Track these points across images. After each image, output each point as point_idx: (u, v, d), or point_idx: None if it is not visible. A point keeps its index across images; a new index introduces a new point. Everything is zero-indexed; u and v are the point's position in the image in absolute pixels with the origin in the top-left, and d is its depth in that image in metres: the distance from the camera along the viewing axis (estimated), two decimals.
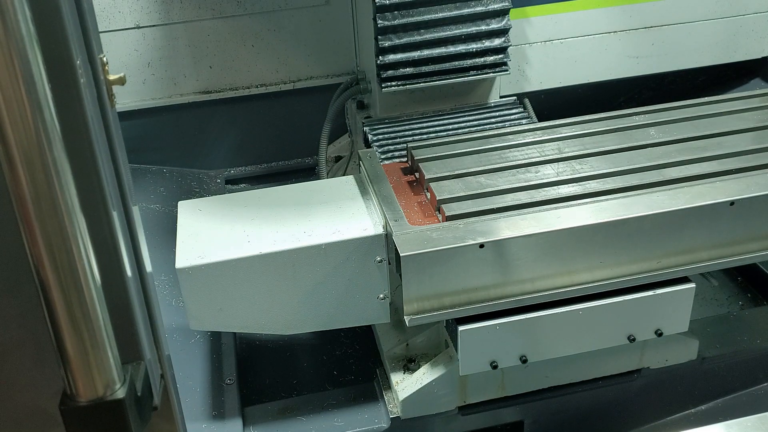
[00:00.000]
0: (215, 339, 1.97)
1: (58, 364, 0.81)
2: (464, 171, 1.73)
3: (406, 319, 1.55)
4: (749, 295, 2.23)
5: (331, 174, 2.42)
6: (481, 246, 1.51)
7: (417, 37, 2.02)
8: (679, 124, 1.89)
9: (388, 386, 1.81)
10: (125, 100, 2.49)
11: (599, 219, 1.55)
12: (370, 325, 1.98)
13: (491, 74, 2.12)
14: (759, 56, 2.56)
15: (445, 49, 2.05)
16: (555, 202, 1.63)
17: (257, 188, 1.90)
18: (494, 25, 2.05)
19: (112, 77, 0.83)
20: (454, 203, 1.63)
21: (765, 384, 1.98)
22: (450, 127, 2.09)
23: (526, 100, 2.25)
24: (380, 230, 1.60)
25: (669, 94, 2.54)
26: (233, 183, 2.68)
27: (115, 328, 0.83)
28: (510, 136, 1.88)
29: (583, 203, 1.61)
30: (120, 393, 0.83)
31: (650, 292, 1.64)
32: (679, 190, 1.62)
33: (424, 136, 2.04)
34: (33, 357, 0.90)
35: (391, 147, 2.00)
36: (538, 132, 1.89)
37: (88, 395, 0.81)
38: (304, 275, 1.59)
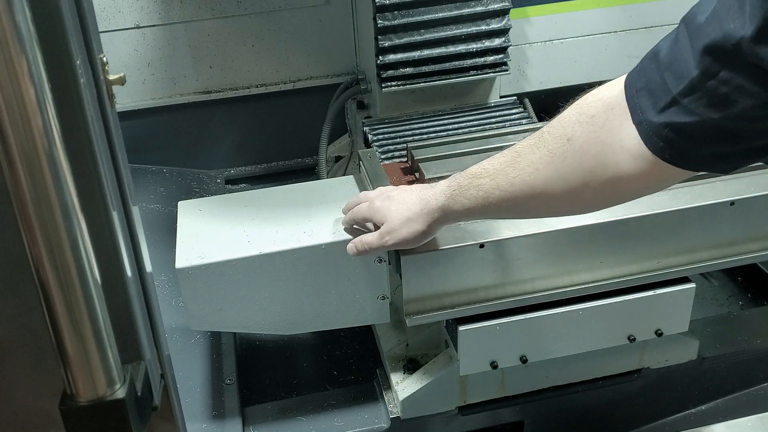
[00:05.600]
0: (215, 339, 1.97)
1: (58, 364, 0.81)
2: None
3: (406, 319, 1.55)
4: (749, 295, 2.23)
5: (331, 174, 2.42)
6: (481, 246, 1.51)
7: (417, 37, 2.02)
8: None
9: (388, 386, 1.81)
10: (125, 100, 2.49)
11: (599, 219, 1.55)
12: (370, 325, 1.98)
13: (491, 74, 2.12)
14: None
15: (445, 49, 2.05)
16: None
17: (257, 188, 1.90)
18: (494, 25, 2.05)
19: (112, 77, 0.83)
20: None
21: (765, 384, 1.98)
22: (450, 127, 2.09)
23: (526, 100, 2.25)
24: None
25: None
26: (233, 183, 2.68)
27: (115, 328, 0.82)
28: (510, 136, 1.88)
29: None
30: (120, 393, 0.83)
31: (650, 292, 1.64)
32: (679, 190, 1.62)
33: (424, 136, 2.04)
34: (33, 357, 0.90)
35: (391, 147, 2.00)
36: None
37: (88, 395, 0.81)
38: (304, 275, 1.59)
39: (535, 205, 1.16)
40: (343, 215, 1.58)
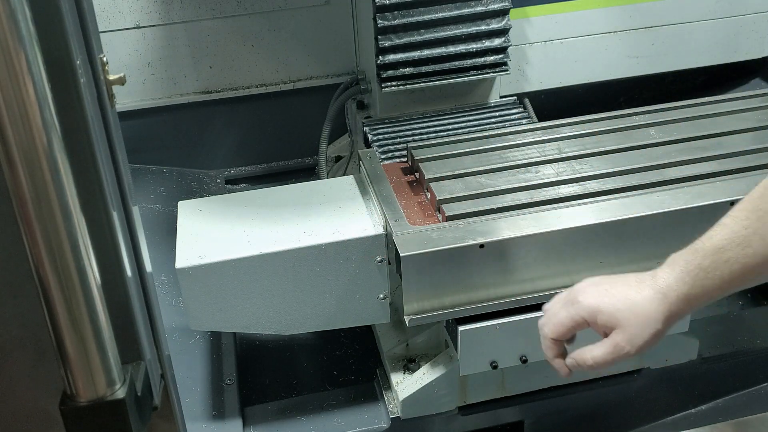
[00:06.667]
0: (215, 339, 1.97)
1: (58, 364, 0.81)
2: (464, 171, 1.73)
3: (406, 319, 1.55)
4: (749, 295, 2.23)
5: (331, 174, 2.42)
6: (481, 246, 1.51)
7: (417, 37, 2.02)
8: (679, 124, 1.89)
9: (388, 386, 1.81)
10: (125, 100, 2.49)
11: (599, 219, 1.55)
12: (370, 325, 1.98)
13: (491, 74, 2.12)
14: (759, 56, 2.56)
15: (445, 49, 2.05)
16: (555, 202, 1.63)
17: (257, 188, 1.90)
18: (494, 25, 2.05)
19: (112, 77, 0.83)
20: (454, 203, 1.63)
21: (765, 384, 1.97)
22: (450, 127, 2.09)
23: (526, 100, 2.25)
24: (380, 230, 1.60)
25: (669, 94, 2.54)
26: (233, 183, 2.68)
27: (115, 328, 0.83)
28: (510, 136, 1.88)
29: (583, 203, 1.61)
30: (120, 393, 0.83)
31: None
32: (679, 190, 1.62)
33: (424, 136, 2.04)
34: (33, 357, 0.90)
35: (391, 147, 2.00)
36: (538, 132, 1.89)
37: (88, 395, 0.81)
38: (304, 275, 1.59)
39: None
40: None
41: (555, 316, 1.16)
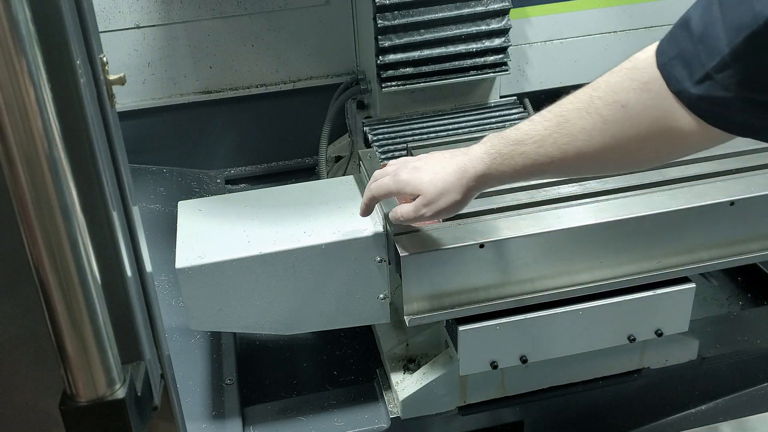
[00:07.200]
0: (215, 339, 1.97)
1: (58, 364, 0.81)
2: None
3: (406, 319, 1.55)
4: (749, 295, 2.23)
5: (331, 174, 2.42)
6: (481, 246, 1.51)
7: (417, 37, 2.02)
8: None
9: (388, 386, 1.81)
10: (125, 100, 2.49)
11: (599, 219, 1.55)
12: (370, 325, 1.98)
13: (491, 74, 2.12)
14: None
15: (445, 49, 2.05)
16: (555, 202, 1.62)
17: (257, 188, 1.90)
18: (494, 25, 2.05)
19: (112, 77, 0.83)
20: None
21: (765, 384, 1.98)
22: (450, 127, 2.09)
23: (526, 100, 2.25)
24: (380, 230, 1.60)
25: None
26: (233, 183, 2.68)
27: (115, 328, 0.82)
28: None
29: (583, 203, 1.61)
30: (120, 393, 0.83)
31: (650, 292, 1.64)
32: (679, 190, 1.62)
33: (424, 136, 2.04)
34: (33, 357, 0.90)
35: (391, 147, 2.00)
36: None
37: (88, 395, 0.81)
38: (304, 275, 1.59)
39: (587, 168, 1.15)
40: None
41: (382, 179, 1.40)
